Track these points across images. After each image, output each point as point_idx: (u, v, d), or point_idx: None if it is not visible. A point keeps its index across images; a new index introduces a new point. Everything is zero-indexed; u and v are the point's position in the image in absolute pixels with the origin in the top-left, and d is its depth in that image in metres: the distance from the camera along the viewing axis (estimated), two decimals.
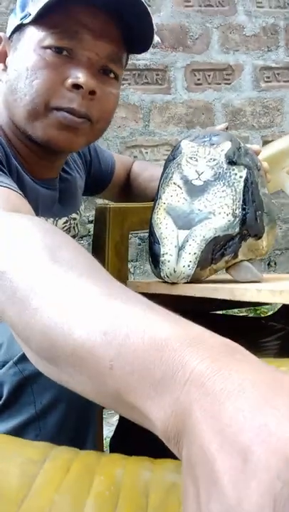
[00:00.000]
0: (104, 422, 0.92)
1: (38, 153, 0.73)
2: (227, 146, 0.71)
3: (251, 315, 1.94)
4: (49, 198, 0.79)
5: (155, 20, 2.14)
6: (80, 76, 0.66)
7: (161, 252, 0.69)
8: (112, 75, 0.71)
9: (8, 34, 0.73)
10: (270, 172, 0.84)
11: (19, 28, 0.69)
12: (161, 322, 0.29)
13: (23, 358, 0.56)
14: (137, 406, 0.27)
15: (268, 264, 2.28)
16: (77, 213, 0.89)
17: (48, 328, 0.33)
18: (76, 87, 0.66)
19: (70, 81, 0.66)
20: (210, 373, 0.24)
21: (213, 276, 0.71)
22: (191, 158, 0.72)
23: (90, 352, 0.30)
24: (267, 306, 1.81)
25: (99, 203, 1.05)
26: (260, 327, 0.94)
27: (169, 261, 0.68)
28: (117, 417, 1.05)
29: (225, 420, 0.22)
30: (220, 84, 2.25)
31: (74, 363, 0.31)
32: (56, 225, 0.82)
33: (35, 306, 0.34)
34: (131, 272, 2.12)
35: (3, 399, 0.58)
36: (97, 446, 0.72)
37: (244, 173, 0.70)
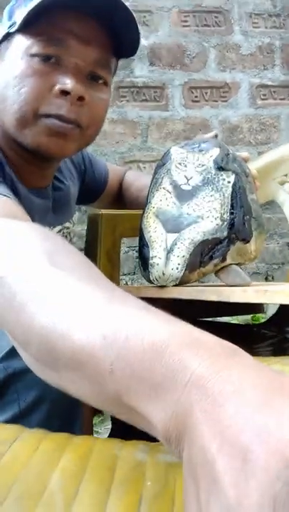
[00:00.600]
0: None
1: (29, 161, 0.74)
2: (216, 152, 0.73)
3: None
4: (43, 208, 0.79)
5: (153, 39, 2.19)
6: (67, 82, 0.66)
7: (150, 255, 0.69)
8: (100, 81, 0.72)
9: None
10: (260, 181, 0.85)
11: (6, 37, 0.70)
12: (160, 325, 0.29)
13: (8, 356, 0.55)
14: (137, 408, 0.27)
15: (266, 278, 2.28)
16: (70, 222, 0.89)
17: (47, 331, 0.32)
18: (64, 93, 0.67)
19: (57, 87, 0.66)
20: (210, 375, 0.24)
21: (203, 282, 0.72)
22: (180, 163, 0.73)
23: (89, 355, 0.29)
24: (262, 315, 1.81)
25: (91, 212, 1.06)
26: (253, 334, 0.95)
27: (158, 264, 0.69)
28: (106, 425, 1.04)
29: (225, 421, 0.22)
30: (217, 101, 2.28)
31: (74, 366, 0.31)
32: None
33: (34, 309, 0.34)
34: (128, 285, 2.12)
35: None
36: None
37: (232, 178, 0.71)
